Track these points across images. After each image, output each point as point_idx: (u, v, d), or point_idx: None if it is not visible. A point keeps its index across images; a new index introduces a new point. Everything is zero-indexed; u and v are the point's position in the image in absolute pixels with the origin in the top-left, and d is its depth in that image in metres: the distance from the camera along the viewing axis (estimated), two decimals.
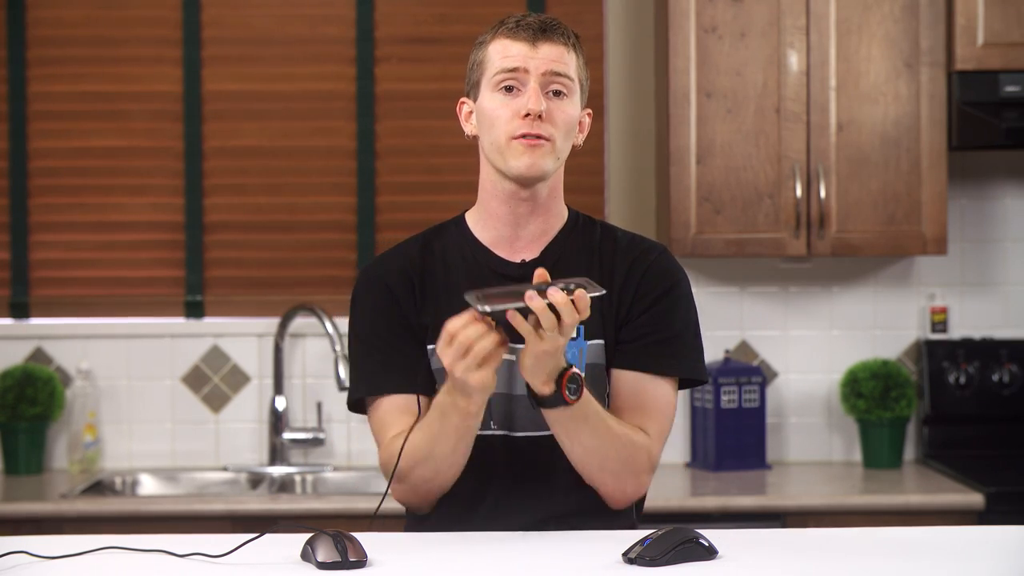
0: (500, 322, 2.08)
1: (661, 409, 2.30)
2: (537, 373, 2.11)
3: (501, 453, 2.29)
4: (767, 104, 3.81)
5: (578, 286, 2.06)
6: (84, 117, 4.16)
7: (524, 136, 2.24)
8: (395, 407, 2.30)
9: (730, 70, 3.81)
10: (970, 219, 4.14)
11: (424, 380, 2.30)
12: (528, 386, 2.15)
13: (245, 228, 4.17)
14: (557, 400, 2.13)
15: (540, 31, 2.26)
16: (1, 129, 4.14)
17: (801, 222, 3.81)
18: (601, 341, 2.30)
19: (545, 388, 2.12)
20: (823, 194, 3.80)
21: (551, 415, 2.18)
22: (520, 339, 2.13)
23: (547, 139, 2.24)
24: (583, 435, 2.20)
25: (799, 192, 3.80)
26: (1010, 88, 3.77)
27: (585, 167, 4.13)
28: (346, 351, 3.49)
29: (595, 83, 4.15)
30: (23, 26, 4.14)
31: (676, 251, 3.81)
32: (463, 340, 2.07)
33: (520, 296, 2.05)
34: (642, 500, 2.40)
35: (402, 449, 2.20)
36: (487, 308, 2.05)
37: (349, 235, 4.16)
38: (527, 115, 2.23)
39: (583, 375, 2.15)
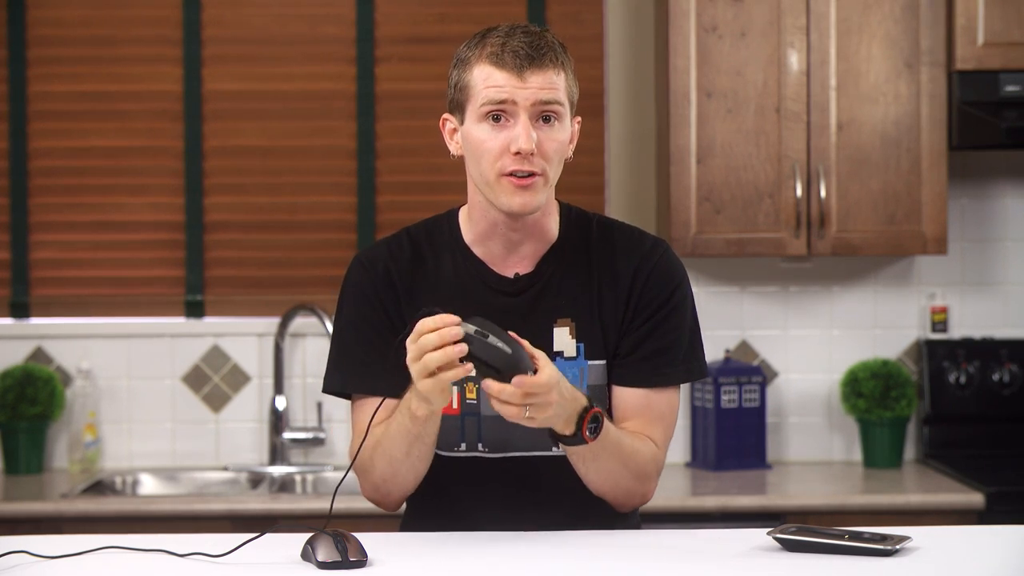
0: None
1: (665, 416, 2.27)
2: (552, 421, 2.07)
3: (495, 473, 2.26)
4: (767, 104, 3.81)
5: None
6: (84, 117, 4.15)
7: (514, 174, 2.16)
8: (373, 407, 2.19)
9: (730, 70, 3.81)
10: (970, 219, 4.13)
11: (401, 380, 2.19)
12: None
13: (245, 228, 4.17)
14: (577, 440, 2.10)
15: (527, 59, 2.15)
16: (1, 129, 4.14)
17: (801, 222, 3.81)
18: (603, 362, 2.26)
19: (566, 430, 2.09)
20: (823, 194, 3.80)
21: (570, 450, 2.15)
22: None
23: (539, 174, 2.17)
24: (600, 461, 2.17)
25: (799, 192, 3.80)
26: (1010, 88, 3.77)
27: (585, 167, 4.13)
28: None
29: (595, 83, 4.15)
30: (23, 26, 4.14)
31: (676, 251, 3.80)
32: (421, 344, 2.00)
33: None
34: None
35: (363, 443, 2.16)
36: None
37: (349, 235, 4.16)
38: (517, 153, 2.15)
39: (604, 412, 2.11)
